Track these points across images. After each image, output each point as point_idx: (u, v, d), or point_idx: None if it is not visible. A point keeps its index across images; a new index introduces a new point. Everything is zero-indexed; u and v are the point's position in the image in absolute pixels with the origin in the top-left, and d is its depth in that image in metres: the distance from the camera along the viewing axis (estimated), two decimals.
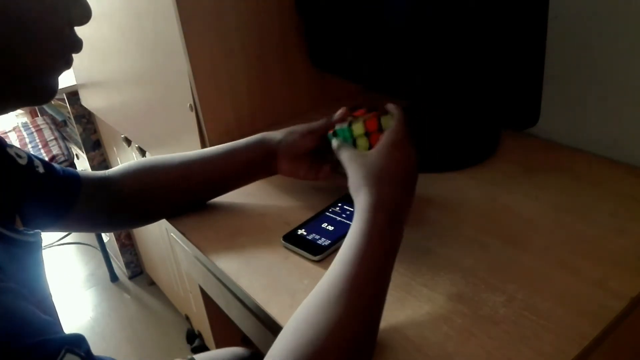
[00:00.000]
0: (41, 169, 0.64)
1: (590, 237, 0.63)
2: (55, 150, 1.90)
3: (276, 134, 0.74)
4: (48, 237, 2.32)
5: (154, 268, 1.84)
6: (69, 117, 1.85)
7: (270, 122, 1.01)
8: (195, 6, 0.86)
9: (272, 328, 0.60)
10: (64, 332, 0.40)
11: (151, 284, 2.00)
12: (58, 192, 0.67)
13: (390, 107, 0.65)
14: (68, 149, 1.94)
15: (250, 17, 0.93)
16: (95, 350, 0.41)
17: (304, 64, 1.01)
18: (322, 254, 0.64)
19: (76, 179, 0.69)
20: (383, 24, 0.79)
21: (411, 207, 0.56)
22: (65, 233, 2.35)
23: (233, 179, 0.76)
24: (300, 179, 0.74)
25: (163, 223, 0.78)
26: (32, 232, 0.49)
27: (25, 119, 2.53)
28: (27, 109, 2.89)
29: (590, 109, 0.80)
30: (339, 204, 0.73)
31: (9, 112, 0.50)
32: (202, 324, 1.41)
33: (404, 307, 0.56)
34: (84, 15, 0.49)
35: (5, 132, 2.14)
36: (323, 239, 0.67)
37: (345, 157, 0.61)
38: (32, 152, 0.68)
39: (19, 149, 0.63)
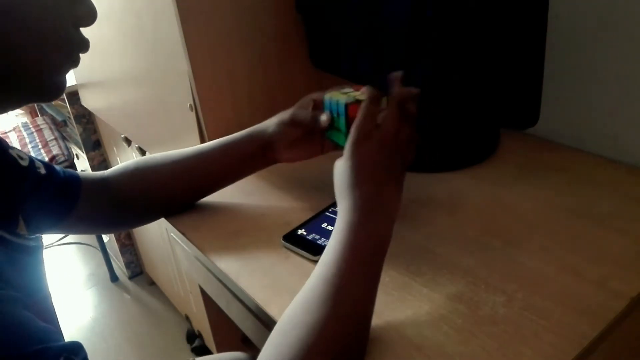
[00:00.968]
0: (43, 170, 0.65)
1: (590, 237, 0.63)
2: (55, 151, 1.90)
3: (265, 128, 0.73)
4: (48, 237, 2.32)
5: (154, 268, 1.84)
6: (69, 117, 1.85)
7: None
8: (195, 6, 0.86)
9: (272, 328, 0.60)
10: (63, 340, 0.40)
11: (151, 284, 2.00)
12: (60, 194, 0.67)
13: (364, 90, 0.61)
14: (68, 149, 1.94)
15: (250, 17, 0.93)
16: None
17: (304, 64, 1.01)
18: (322, 254, 0.64)
19: (77, 180, 0.69)
20: (383, 24, 0.79)
21: (399, 201, 0.54)
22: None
23: (232, 172, 0.76)
24: (308, 159, 0.74)
25: (163, 223, 0.78)
26: (33, 236, 0.49)
27: (25, 119, 2.53)
28: (27, 109, 2.90)
29: (590, 109, 0.80)
30: None
31: (17, 107, 0.50)
32: (202, 324, 1.41)
33: (404, 307, 0.56)
34: (89, 16, 0.49)
35: (5, 132, 2.14)
36: (323, 239, 0.67)
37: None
38: (32, 152, 0.68)
39: (20, 150, 0.63)
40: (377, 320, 0.53)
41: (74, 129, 1.81)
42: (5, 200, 0.54)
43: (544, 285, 0.56)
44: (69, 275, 2.21)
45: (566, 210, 0.68)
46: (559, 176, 0.75)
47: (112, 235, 1.96)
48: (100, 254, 2.07)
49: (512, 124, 0.78)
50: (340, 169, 0.55)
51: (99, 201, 0.71)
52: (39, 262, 0.49)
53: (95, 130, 1.80)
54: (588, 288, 0.55)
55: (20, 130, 2.14)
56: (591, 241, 0.62)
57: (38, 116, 2.41)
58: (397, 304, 0.56)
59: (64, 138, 2.03)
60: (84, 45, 0.50)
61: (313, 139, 0.71)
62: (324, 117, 0.65)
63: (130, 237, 1.96)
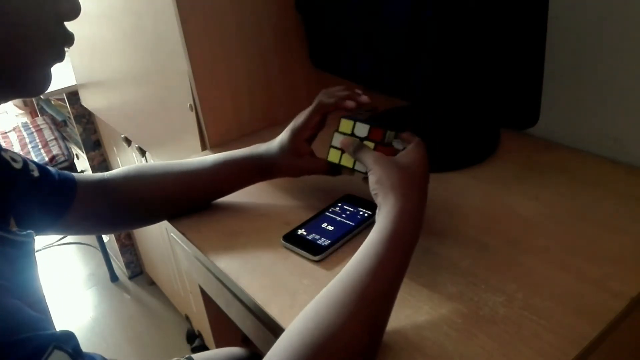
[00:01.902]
0: (36, 173, 0.65)
1: (590, 237, 0.63)
2: (55, 150, 1.90)
3: (267, 152, 0.73)
4: (48, 237, 2.32)
5: (154, 268, 1.84)
6: (69, 117, 1.85)
7: (270, 122, 1.01)
8: (195, 6, 0.86)
9: (272, 328, 0.60)
10: (54, 329, 0.39)
11: (151, 284, 2.00)
12: (53, 195, 0.67)
13: (407, 135, 0.65)
14: (68, 149, 1.94)
15: (250, 17, 0.93)
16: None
17: (304, 64, 1.01)
18: (322, 254, 0.64)
19: (72, 182, 0.70)
20: (383, 24, 0.79)
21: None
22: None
23: (232, 186, 0.77)
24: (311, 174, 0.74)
25: (163, 223, 0.79)
26: (24, 232, 0.49)
27: (25, 119, 2.53)
28: (27, 109, 2.90)
29: (590, 109, 0.80)
30: (339, 204, 0.73)
31: (3, 102, 0.50)
32: (202, 324, 1.41)
33: (404, 307, 0.56)
34: (73, 10, 0.49)
35: (5, 133, 2.14)
36: (323, 239, 0.67)
37: (370, 156, 0.60)
38: (32, 152, 0.68)
39: (14, 153, 0.63)
40: None
41: (74, 129, 1.81)
42: None
43: (544, 285, 0.56)
44: (69, 275, 2.21)
45: (566, 210, 0.68)
46: (559, 176, 0.75)
47: (112, 235, 1.96)
48: (100, 254, 2.07)
49: (512, 124, 0.78)
50: (406, 164, 0.57)
51: (95, 202, 0.72)
52: (32, 261, 0.49)
53: (95, 130, 1.80)
54: (588, 288, 0.55)
55: (20, 130, 2.14)
56: (591, 241, 0.62)
57: (38, 116, 2.41)
58: (397, 304, 0.56)
59: (64, 138, 2.03)
60: (68, 39, 0.51)
61: (314, 162, 0.72)
62: (348, 142, 0.65)
63: (130, 237, 1.96)
